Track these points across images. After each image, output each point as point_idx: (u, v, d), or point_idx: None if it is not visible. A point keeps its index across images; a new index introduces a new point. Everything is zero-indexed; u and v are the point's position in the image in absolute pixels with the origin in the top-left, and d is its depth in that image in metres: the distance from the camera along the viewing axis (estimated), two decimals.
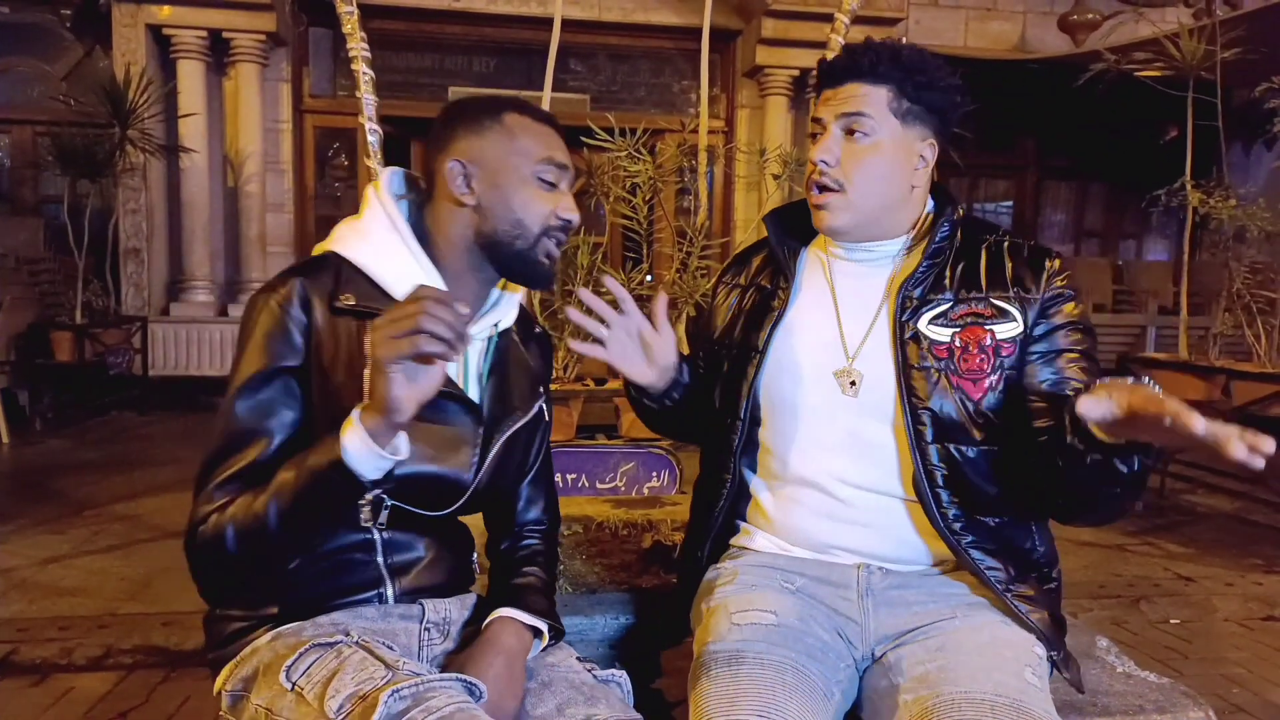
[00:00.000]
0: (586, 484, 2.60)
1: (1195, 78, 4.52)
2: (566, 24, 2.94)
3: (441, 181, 1.16)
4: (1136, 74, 4.89)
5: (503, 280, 1.24)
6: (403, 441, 0.99)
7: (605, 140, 2.90)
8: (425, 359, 0.94)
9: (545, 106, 2.93)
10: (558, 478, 2.58)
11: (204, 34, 6.55)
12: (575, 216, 1.18)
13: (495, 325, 1.22)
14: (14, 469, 4.92)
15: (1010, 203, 9.08)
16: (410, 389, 0.95)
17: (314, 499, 1.00)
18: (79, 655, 2.55)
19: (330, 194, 7.66)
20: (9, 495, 4.31)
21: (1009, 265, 1.28)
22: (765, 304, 1.36)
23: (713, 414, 1.37)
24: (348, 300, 1.10)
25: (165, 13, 6.47)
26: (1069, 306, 1.25)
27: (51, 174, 6.64)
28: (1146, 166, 5.72)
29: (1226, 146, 4.59)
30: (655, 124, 3.20)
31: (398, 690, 0.93)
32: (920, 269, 1.27)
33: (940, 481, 1.21)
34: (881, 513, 1.25)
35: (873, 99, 1.24)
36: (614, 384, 3.03)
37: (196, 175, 6.66)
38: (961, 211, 1.34)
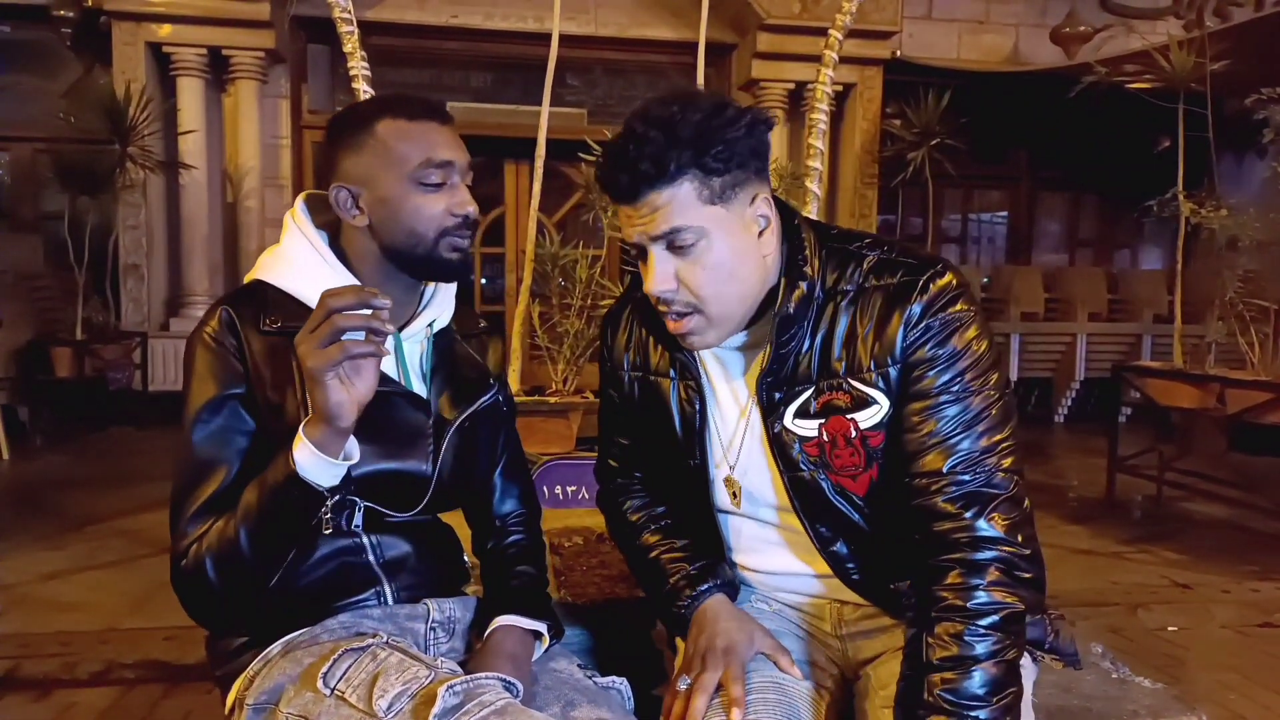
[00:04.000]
0: (586, 496, 2.61)
1: (1186, 89, 4.55)
2: (563, 39, 2.98)
3: (334, 208, 1.18)
4: (1127, 86, 4.94)
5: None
6: (353, 446, 1.02)
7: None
8: (355, 359, 0.96)
9: (543, 121, 2.97)
10: (557, 490, 2.62)
11: (203, 51, 6.58)
12: (471, 210, 1.16)
13: (430, 325, 1.25)
14: (14, 484, 4.93)
15: (1004, 213, 9.13)
16: (348, 393, 0.97)
17: (277, 515, 1.03)
18: (81, 670, 2.56)
19: None
20: (9, 511, 4.32)
21: (870, 321, 1.09)
22: (680, 403, 1.21)
23: (678, 507, 1.31)
24: (274, 323, 1.12)
25: (165, 30, 6.50)
26: (939, 340, 1.07)
27: (52, 191, 6.65)
28: (1139, 177, 5.76)
29: (1218, 157, 4.63)
30: None
31: (452, 686, 0.95)
32: (773, 359, 1.12)
33: (855, 574, 1.17)
34: (830, 589, 1.23)
35: (680, 202, 1.03)
36: None
37: (196, 191, 6.68)
38: (814, 262, 1.12)
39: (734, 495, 1.19)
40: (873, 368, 1.09)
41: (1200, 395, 4.30)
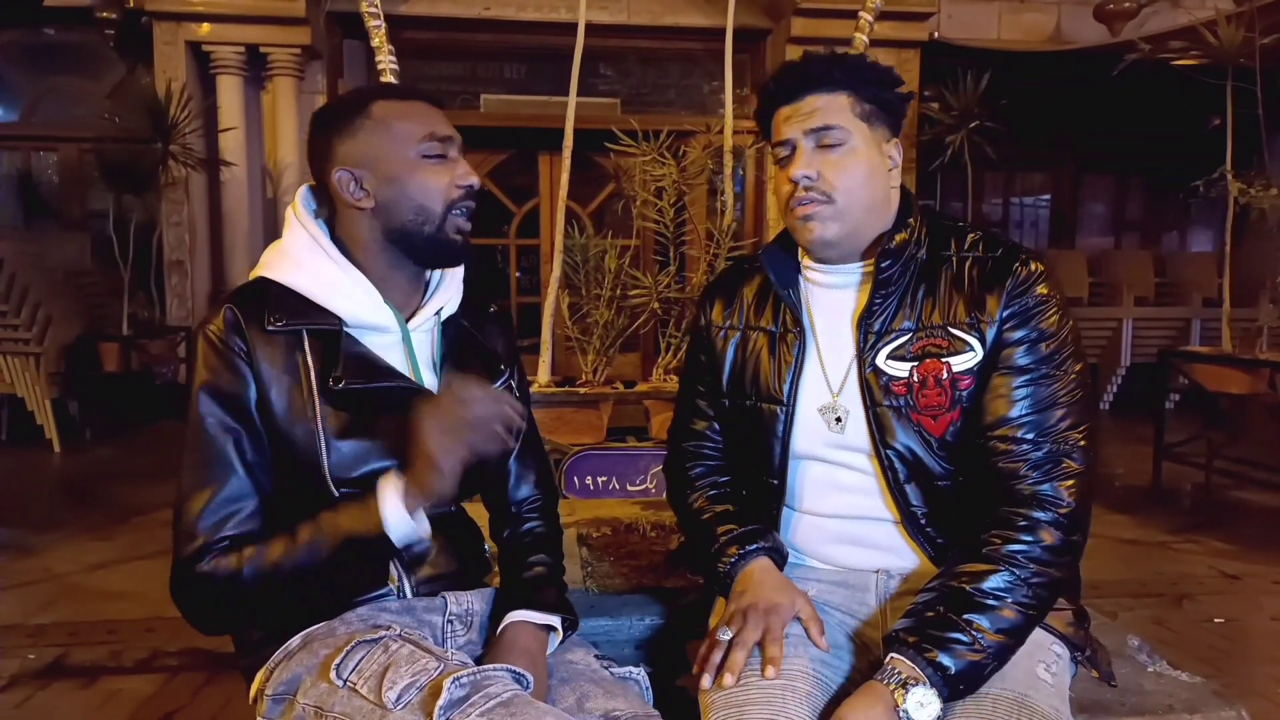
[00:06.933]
0: (617, 486, 2.61)
1: (1234, 65, 4.42)
2: (595, 28, 2.97)
3: (336, 193, 1.17)
4: (1174, 63, 4.80)
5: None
6: (423, 517, 1.07)
7: (630, 146, 2.92)
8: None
9: (570, 111, 2.96)
10: (587, 480, 2.62)
11: (241, 49, 6.67)
12: (474, 180, 1.19)
13: (438, 313, 1.24)
14: (65, 477, 5.07)
15: (1047, 196, 8.94)
16: None
17: (347, 561, 1.07)
18: (127, 658, 2.63)
19: None
20: (60, 502, 4.45)
21: (969, 285, 1.21)
22: (779, 353, 1.30)
23: (743, 463, 1.36)
24: (278, 321, 1.12)
25: (204, 29, 6.60)
26: (1035, 320, 1.17)
27: (98, 189, 6.80)
28: (1187, 157, 5.61)
29: (1268, 135, 4.48)
30: (681, 126, 3.21)
31: (458, 678, 0.96)
32: (875, 299, 1.23)
33: (922, 519, 1.22)
34: (888, 537, 1.26)
35: (835, 107, 1.22)
36: (643, 386, 3.05)
37: (236, 188, 6.78)
38: (918, 225, 1.25)
39: (837, 420, 1.25)
40: (972, 321, 1.19)
41: (1250, 380, 4.19)
